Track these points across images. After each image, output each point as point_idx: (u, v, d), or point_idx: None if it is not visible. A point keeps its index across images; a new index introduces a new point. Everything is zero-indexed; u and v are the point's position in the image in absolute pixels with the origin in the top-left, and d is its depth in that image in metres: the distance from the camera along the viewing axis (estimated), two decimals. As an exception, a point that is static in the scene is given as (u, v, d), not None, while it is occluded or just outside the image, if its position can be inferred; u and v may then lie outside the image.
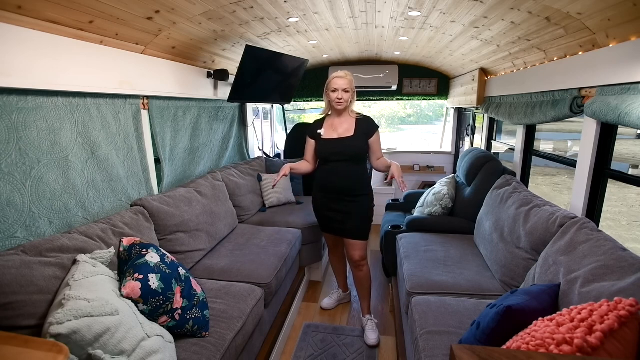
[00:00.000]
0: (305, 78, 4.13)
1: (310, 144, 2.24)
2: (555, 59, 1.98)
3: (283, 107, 4.55)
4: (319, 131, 2.18)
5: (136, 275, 1.29)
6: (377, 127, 2.16)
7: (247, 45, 2.40)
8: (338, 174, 2.12)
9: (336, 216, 2.19)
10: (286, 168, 2.13)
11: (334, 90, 2.06)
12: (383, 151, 2.24)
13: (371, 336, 2.21)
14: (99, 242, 1.48)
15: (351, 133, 2.10)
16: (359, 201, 2.15)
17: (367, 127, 2.12)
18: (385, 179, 2.26)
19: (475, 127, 3.94)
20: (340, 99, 2.05)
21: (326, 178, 2.17)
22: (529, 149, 2.55)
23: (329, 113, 2.20)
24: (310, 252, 2.80)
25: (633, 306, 0.89)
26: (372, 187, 2.27)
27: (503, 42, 2.22)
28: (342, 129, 2.13)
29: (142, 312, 1.26)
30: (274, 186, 2.11)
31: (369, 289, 2.33)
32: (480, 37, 2.28)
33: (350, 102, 2.12)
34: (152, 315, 1.30)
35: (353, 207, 2.14)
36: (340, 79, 2.05)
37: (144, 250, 1.45)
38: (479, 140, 3.64)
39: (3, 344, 0.88)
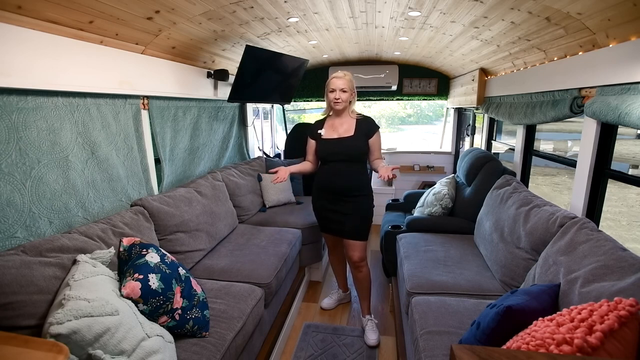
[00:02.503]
0: (305, 78, 4.13)
1: (311, 144, 2.25)
2: (555, 59, 1.98)
3: (283, 107, 4.55)
4: (319, 131, 2.18)
5: (136, 275, 1.29)
6: (378, 127, 2.15)
7: (247, 45, 2.40)
8: (337, 174, 2.12)
9: (335, 216, 2.19)
10: (284, 172, 2.10)
11: (332, 91, 2.07)
12: (383, 151, 2.24)
13: (371, 336, 2.20)
14: (99, 242, 1.48)
15: (351, 133, 2.10)
16: (358, 201, 2.15)
17: (367, 127, 2.12)
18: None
19: (475, 127, 3.94)
20: (338, 99, 2.06)
21: (325, 178, 2.17)
22: (529, 149, 2.55)
23: (330, 113, 2.21)
24: (310, 252, 2.80)
25: (633, 306, 0.89)
26: (372, 187, 2.27)
27: (503, 42, 2.22)
28: (342, 129, 2.13)
29: (142, 312, 1.26)
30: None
31: (369, 290, 2.33)
32: (480, 37, 2.28)
33: (350, 102, 2.12)
34: (152, 315, 1.30)
35: (352, 208, 2.14)
36: (338, 79, 2.05)
37: (144, 250, 1.45)
38: (479, 140, 3.64)
39: (3, 344, 0.88)
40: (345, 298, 2.68)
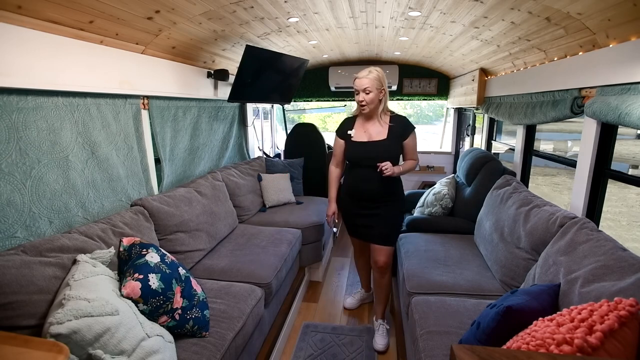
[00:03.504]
0: (305, 78, 4.13)
1: (339, 144, 2.08)
2: (555, 59, 1.98)
3: (283, 107, 4.55)
4: (349, 132, 2.01)
5: (136, 275, 1.29)
6: (413, 128, 1.98)
7: (247, 45, 2.40)
8: (367, 180, 1.98)
9: (364, 221, 2.08)
10: (334, 208, 2.14)
11: (357, 92, 1.90)
12: None
13: (380, 341, 2.14)
14: (99, 242, 1.48)
15: (384, 136, 1.94)
16: (389, 207, 2.03)
17: (401, 128, 1.94)
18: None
19: (475, 127, 3.94)
20: (362, 101, 1.89)
21: (355, 183, 2.05)
22: (529, 149, 2.55)
23: (359, 113, 2.03)
24: (310, 252, 2.80)
25: (633, 306, 0.89)
26: None
27: (503, 42, 2.22)
28: (373, 131, 1.96)
29: (142, 312, 1.26)
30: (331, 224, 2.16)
31: (388, 295, 2.26)
32: (480, 37, 2.28)
33: (381, 100, 1.92)
34: (152, 315, 1.30)
35: (382, 213, 2.02)
36: (360, 80, 1.87)
37: (144, 250, 1.45)
38: (479, 140, 3.64)
39: (3, 344, 0.88)
40: (367, 298, 2.61)
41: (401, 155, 2.04)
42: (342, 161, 2.13)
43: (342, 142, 2.07)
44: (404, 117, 2.00)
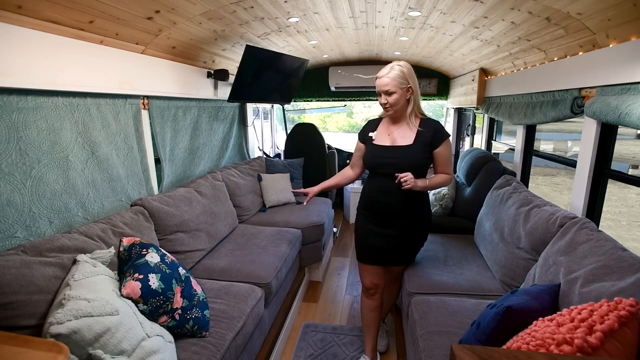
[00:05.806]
0: (305, 78, 4.12)
1: (358, 147, 1.85)
2: (556, 59, 1.98)
3: (283, 107, 4.55)
4: (370, 134, 1.77)
5: (136, 275, 1.29)
6: (447, 135, 1.69)
7: (247, 45, 2.40)
8: (387, 192, 1.70)
9: (380, 242, 1.78)
10: (313, 193, 1.91)
11: (379, 94, 1.66)
12: None
13: (379, 343, 2.11)
14: (99, 242, 1.48)
15: (409, 141, 1.67)
16: (411, 227, 1.77)
17: (432, 135, 1.66)
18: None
19: (475, 127, 3.94)
20: (385, 103, 1.64)
21: (372, 194, 1.77)
22: (529, 149, 2.55)
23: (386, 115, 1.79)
24: (310, 252, 2.80)
25: (633, 306, 0.89)
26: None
27: (503, 42, 2.22)
28: (398, 134, 1.70)
29: (142, 312, 1.26)
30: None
31: (395, 301, 2.20)
32: (480, 37, 2.28)
33: (409, 100, 1.65)
34: (152, 315, 1.30)
35: (405, 232, 1.77)
36: (379, 79, 1.62)
37: (144, 250, 1.45)
38: (479, 140, 3.64)
39: (3, 344, 0.88)
40: None
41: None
42: (358, 166, 1.88)
43: (361, 145, 1.83)
44: (437, 121, 1.72)
